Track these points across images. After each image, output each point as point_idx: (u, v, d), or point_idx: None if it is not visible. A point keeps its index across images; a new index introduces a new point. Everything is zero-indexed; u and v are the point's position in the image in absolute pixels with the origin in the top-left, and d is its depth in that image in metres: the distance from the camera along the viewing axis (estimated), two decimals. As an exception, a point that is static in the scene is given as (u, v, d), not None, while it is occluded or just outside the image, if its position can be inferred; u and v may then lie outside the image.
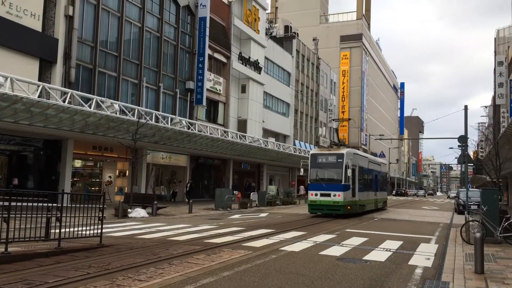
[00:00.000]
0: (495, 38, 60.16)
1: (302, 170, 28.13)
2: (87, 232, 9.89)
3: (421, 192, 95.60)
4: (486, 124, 66.24)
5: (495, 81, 48.00)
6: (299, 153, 42.29)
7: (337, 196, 21.11)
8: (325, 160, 22.13)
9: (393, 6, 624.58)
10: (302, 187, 47.32)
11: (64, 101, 17.79)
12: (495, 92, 48.45)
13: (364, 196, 24.21)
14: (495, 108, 52.75)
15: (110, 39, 25.51)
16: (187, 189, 29.91)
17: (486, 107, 78.81)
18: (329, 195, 21.29)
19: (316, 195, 21.79)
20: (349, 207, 21.55)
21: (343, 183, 21.24)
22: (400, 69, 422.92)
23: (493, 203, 12.58)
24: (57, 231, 9.29)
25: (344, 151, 22.11)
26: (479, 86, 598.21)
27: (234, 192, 31.08)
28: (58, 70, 21.87)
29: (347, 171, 21.31)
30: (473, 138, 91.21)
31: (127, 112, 21.25)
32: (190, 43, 32.28)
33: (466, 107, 20.25)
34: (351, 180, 21.90)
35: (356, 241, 12.59)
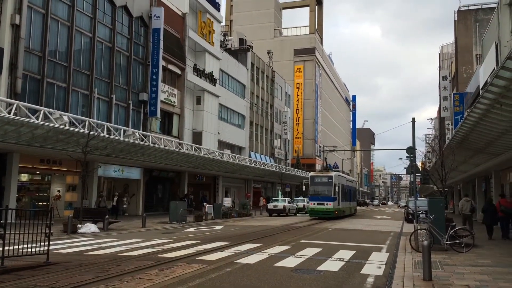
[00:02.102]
0: (439, 53, 63.27)
1: (304, 187, 36.35)
2: (33, 250, 9.45)
3: (376, 202, 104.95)
4: (433, 136, 68.99)
5: (440, 95, 50.29)
6: (254, 164, 42.47)
7: (329, 205, 29.97)
8: (320, 180, 30.95)
9: (341, 22, 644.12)
10: (262, 198, 47.51)
11: (9, 113, 17.08)
12: (440, 105, 50.70)
13: (344, 205, 32.92)
14: (441, 120, 55.22)
15: (59, 49, 24.73)
16: (114, 203, 26.46)
17: (432, 119, 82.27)
18: (323, 204, 30.13)
19: (314, 204, 30.75)
20: (336, 212, 30.31)
21: (332, 196, 30.03)
22: (352, 82, 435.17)
23: (439, 212, 13.10)
24: (0, 249, 8.82)
25: (333, 174, 31.58)
26: (426, 99, 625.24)
27: (204, 204, 30.75)
28: (3, 80, 20.94)
29: (335, 188, 30.17)
30: (421, 149, 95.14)
31: (77, 124, 20.62)
32: (143, 54, 31.84)
33: (413, 120, 21.09)
34: (337, 193, 30.45)
35: (310, 251, 12.72)
